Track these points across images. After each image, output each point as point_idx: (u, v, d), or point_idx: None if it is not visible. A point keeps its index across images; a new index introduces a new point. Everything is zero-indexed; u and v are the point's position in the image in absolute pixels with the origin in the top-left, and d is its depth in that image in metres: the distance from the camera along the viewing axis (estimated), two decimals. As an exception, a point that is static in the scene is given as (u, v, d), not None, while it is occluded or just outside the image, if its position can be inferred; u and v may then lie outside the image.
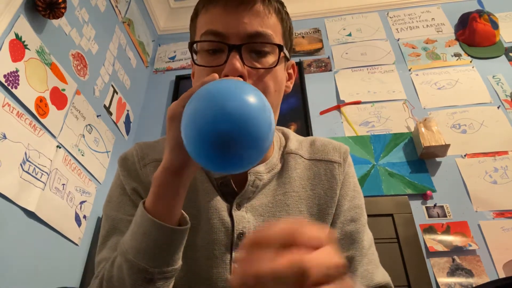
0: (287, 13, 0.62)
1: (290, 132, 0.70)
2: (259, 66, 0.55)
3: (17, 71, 1.23)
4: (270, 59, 0.56)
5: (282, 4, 0.61)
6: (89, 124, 1.63)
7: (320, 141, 0.69)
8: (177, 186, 0.47)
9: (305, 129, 1.97)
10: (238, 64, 0.52)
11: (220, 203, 0.60)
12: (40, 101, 1.32)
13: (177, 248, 0.49)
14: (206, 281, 0.56)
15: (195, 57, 0.60)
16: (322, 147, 0.67)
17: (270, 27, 0.57)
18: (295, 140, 0.68)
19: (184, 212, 0.51)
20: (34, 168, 1.24)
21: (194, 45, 0.59)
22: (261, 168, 0.62)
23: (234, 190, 0.60)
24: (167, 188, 0.47)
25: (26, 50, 1.29)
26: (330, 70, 2.21)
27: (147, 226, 0.47)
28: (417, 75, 2.10)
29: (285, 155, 0.65)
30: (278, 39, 0.58)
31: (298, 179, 0.63)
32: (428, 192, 1.66)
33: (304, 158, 0.66)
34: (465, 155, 1.77)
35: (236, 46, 0.53)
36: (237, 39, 0.54)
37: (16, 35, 1.25)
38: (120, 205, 0.62)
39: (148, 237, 0.46)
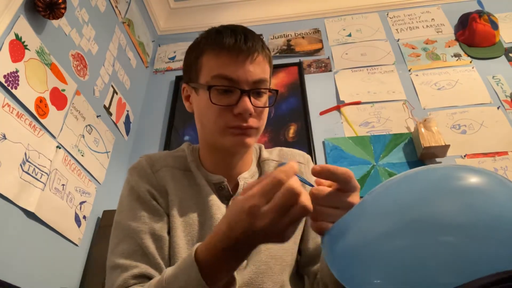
0: (271, 57, 0.76)
1: (262, 146, 0.87)
2: (261, 105, 0.70)
3: (17, 71, 1.23)
4: (264, 98, 0.72)
5: (269, 50, 0.75)
6: (89, 125, 1.63)
7: (286, 148, 0.87)
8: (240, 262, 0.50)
9: (305, 130, 1.97)
10: (249, 104, 0.67)
11: (219, 203, 0.72)
12: (40, 101, 1.32)
13: None
14: None
15: (201, 92, 0.71)
16: (290, 151, 0.86)
17: (266, 73, 0.72)
18: (266, 151, 0.85)
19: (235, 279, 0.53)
20: (34, 169, 1.24)
21: (201, 80, 0.71)
22: (246, 174, 0.78)
23: (229, 193, 0.75)
24: (235, 263, 0.50)
25: (26, 50, 1.29)
26: (330, 71, 2.21)
27: None
28: (417, 75, 2.10)
29: (260, 163, 0.82)
30: (269, 80, 0.73)
31: None
32: (428, 192, 1.66)
33: (275, 161, 0.82)
34: (465, 156, 1.77)
35: (246, 91, 0.67)
36: (245, 84, 0.68)
37: (16, 35, 1.25)
38: (131, 212, 0.70)
39: None
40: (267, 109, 0.73)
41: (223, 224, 0.48)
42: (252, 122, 0.69)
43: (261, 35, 2.67)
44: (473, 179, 0.37)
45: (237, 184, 0.76)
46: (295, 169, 0.45)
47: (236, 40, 0.68)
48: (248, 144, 0.70)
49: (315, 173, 0.48)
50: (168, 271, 0.54)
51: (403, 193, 0.41)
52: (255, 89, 0.69)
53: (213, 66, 0.69)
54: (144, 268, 0.63)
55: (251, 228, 0.44)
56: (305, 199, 0.44)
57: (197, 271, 0.48)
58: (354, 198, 0.49)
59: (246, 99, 0.67)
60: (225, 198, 0.75)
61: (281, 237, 0.45)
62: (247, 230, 0.45)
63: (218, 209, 0.71)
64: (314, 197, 0.49)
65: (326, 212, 0.49)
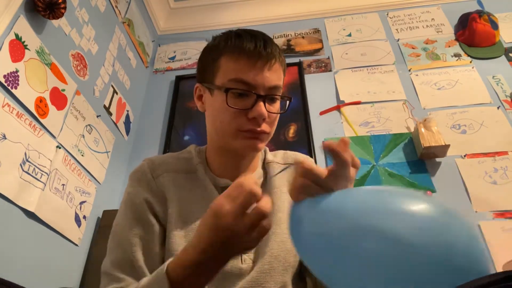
0: (285, 64, 0.77)
1: (267, 148, 0.88)
2: (274, 111, 0.73)
3: (17, 71, 1.23)
4: (278, 104, 0.74)
5: (284, 57, 0.77)
6: (89, 125, 1.63)
7: (290, 152, 0.89)
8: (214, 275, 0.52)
9: (305, 130, 1.97)
10: (264, 109, 0.69)
11: None
12: (40, 101, 1.32)
13: None
14: (223, 271, 0.67)
15: (216, 93, 0.72)
16: (293, 155, 0.88)
17: (281, 80, 0.74)
18: (270, 154, 0.87)
19: None
20: (34, 169, 1.24)
21: (217, 81, 0.72)
22: (253, 176, 0.76)
23: None
24: (205, 283, 0.52)
25: (26, 50, 1.29)
26: (330, 71, 2.21)
27: None
28: (417, 75, 2.10)
29: (265, 165, 0.83)
30: (282, 87, 0.75)
31: (278, 180, 0.80)
32: (428, 192, 1.66)
33: (280, 163, 0.84)
34: (464, 156, 1.77)
35: (262, 96, 0.69)
36: (262, 90, 0.69)
37: (16, 35, 1.25)
38: (125, 221, 0.71)
39: None
40: (279, 116, 0.75)
41: (193, 237, 0.51)
42: (264, 127, 0.71)
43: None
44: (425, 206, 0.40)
45: None
46: (255, 178, 0.50)
47: (256, 46, 0.69)
48: (259, 148, 0.72)
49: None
50: (143, 281, 0.56)
51: (363, 203, 0.43)
52: (270, 95, 0.70)
53: (231, 69, 0.70)
54: (130, 282, 0.65)
55: (215, 229, 0.48)
56: (263, 203, 0.47)
57: (167, 286, 0.51)
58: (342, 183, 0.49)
59: (261, 104, 0.68)
60: None
61: (245, 242, 0.48)
62: (212, 232, 0.48)
63: None
64: (302, 169, 0.49)
65: (308, 185, 0.49)
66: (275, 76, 0.71)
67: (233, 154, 0.75)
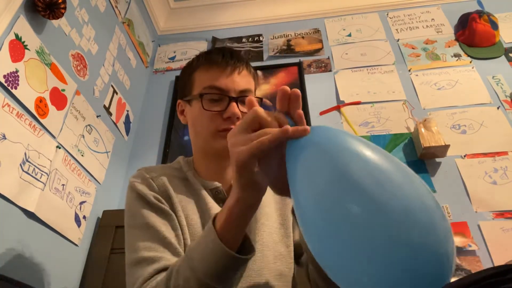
0: (255, 74, 0.87)
1: None
2: (247, 111, 0.73)
3: (17, 71, 1.23)
4: None
5: (254, 68, 0.87)
6: (89, 125, 1.63)
7: None
8: (249, 216, 0.55)
9: (305, 130, 1.96)
10: (237, 109, 0.77)
11: (216, 206, 0.77)
12: (40, 101, 1.32)
13: (243, 269, 0.59)
14: None
15: (194, 102, 0.81)
16: None
17: (251, 85, 0.83)
18: None
19: (249, 237, 0.58)
20: (34, 169, 1.24)
21: (194, 92, 0.81)
22: None
23: (225, 196, 0.79)
24: (240, 218, 0.54)
25: (26, 50, 1.29)
26: (330, 71, 2.21)
27: (220, 255, 0.53)
28: (417, 75, 2.10)
29: None
30: (254, 92, 0.84)
31: None
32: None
33: None
34: (464, 156, 1.77)
35: (234, 98, 0.78)
36: (233, 93, 0.78)
37: (16, 35, 1.25)
38: (144, 213, 0.72)
39: (220, 263, 0.54)
40: None
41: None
42: None
43: (261, 35, 2.64)
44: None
45: (231, 187, 0.79)
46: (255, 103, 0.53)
47: (223, 56, 0.80)
48: None
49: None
50: (191, 243, 0.59)
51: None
52: (242, 96, 0.78)
53: (205, 79, 0.80)
54: (170, 258, 0.65)
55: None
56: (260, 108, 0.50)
57: (214, 234, 0.54)
58: None
59: (234, 104, 0.77)
60: (221, 201, 0.78)
61: (238, 144, 0.49)
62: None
63: (216, 211, 0.76)
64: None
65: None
66: (244, 81, 0.80)
67: (216, 156, 0.79)
